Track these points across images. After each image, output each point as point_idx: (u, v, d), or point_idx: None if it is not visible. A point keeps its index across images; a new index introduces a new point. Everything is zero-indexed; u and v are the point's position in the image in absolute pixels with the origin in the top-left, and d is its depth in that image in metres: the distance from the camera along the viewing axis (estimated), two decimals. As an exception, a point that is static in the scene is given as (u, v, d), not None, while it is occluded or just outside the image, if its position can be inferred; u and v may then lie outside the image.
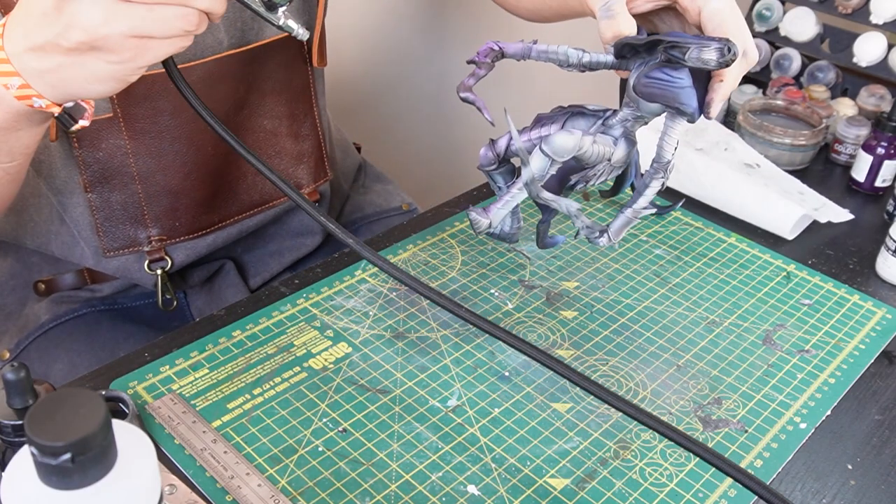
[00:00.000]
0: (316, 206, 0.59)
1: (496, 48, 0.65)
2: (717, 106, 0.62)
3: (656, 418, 0.52)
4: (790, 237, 0.86)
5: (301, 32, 0.59)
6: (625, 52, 0.62)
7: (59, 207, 0.78)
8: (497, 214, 0.65)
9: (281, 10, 0.58)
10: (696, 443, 0.52)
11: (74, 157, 0.74)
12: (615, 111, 0.65)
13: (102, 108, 0.72)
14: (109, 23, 0.50)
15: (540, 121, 0.67)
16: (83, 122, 0.60)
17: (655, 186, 0.64)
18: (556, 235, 0.72)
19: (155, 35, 0.51)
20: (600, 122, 0.65)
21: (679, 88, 0.60)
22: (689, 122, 0.62)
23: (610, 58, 0.63)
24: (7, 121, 0.56)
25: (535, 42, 0.65)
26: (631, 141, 0.65)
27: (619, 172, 0.68)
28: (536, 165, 0.62)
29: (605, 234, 0.65)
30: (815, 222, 0.90)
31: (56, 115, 0.57)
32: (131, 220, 0.78)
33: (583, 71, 0.65)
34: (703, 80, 0.62)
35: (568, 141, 0.61)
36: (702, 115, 0.62)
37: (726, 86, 0.62)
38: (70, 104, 0.58)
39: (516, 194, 0.65)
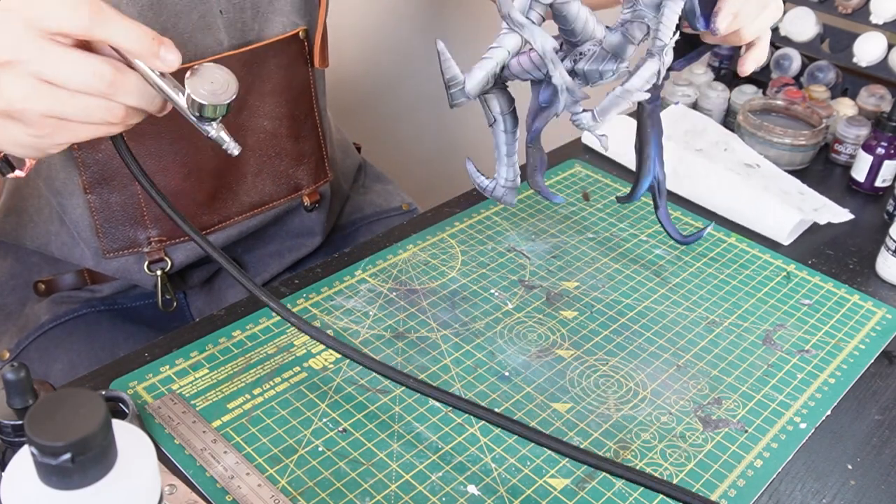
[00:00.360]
0: (241, 270, 0.61)
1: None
2: (724, 16, 0.59)
3: (610, 460, 0.52)
4: (786, 242, 0.86)
5: (232, 146, 0.57)
6: None
7: (59, 208, 0.78)
8: (474, 76, 0.63)
9: (215, 122, 0.56)
10: (659, 481, 0.53)
11: (74, 158, 0.74)
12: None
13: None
14: (29, 99, 0.50)
15: None
16: (19, 173, 0.59)
17: (650, 67, 0.62)
18: (557, 195, 0.72)
19: (73, 119, 0.51)
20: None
21: None
22: (692, 25, 0.59)
23: None
24: None
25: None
26: (627, 38, 0.63)
27: (612, 66, 0.64)
28: None
29: (591, 112, 0.62)
30: (815, 222, 0.90)
31: None
32: (131, 221, 0.78)
33: None
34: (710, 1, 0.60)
35: None
36: (709, 28, 0.60)
37: None
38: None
39: (495, 52, 0.62)
